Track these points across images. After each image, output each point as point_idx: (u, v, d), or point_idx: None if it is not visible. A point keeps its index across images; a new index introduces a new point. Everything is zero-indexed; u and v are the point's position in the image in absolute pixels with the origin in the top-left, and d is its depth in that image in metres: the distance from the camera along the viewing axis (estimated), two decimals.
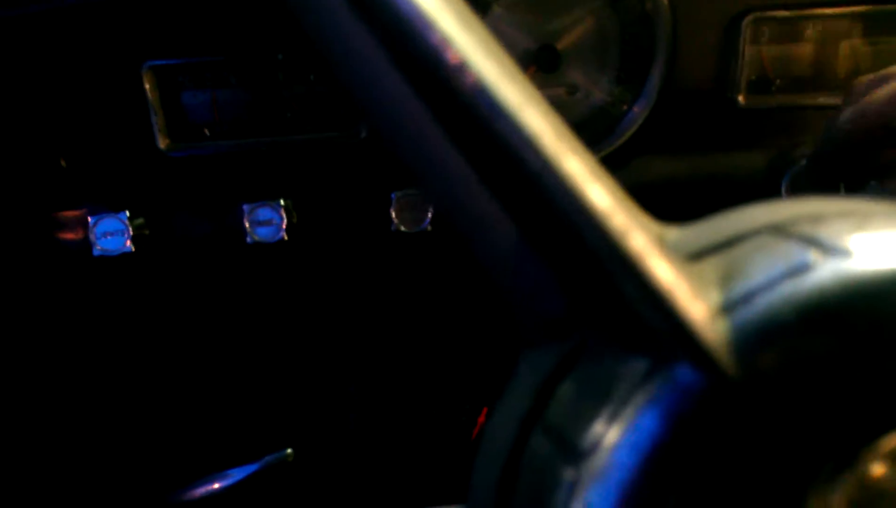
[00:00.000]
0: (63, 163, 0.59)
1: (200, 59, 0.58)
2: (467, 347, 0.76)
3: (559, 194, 0.17)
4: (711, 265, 0.18)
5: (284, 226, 0.61)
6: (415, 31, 0.18)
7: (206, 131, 0.61)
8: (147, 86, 0.58)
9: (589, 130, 0.62)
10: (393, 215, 0.60)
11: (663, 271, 0.17)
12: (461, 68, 0.18)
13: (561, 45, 0.60)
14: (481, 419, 0.79)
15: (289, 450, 0.69)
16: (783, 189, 0.62)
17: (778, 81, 0.61)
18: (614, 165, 0.63)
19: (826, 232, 0.17)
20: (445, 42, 0.18)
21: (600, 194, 0.18)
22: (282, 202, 0.61)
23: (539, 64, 0.61)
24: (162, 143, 0.60)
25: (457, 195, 0.19)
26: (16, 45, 0.57)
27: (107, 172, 0.61)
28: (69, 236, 0.61)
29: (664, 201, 0.64)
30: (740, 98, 0.60)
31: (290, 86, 0.60)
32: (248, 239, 0.61)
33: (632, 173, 0.63)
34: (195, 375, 0.70)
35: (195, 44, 0.58)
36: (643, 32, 0.59)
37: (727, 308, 0.16)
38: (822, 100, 0.60)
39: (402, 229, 0.60)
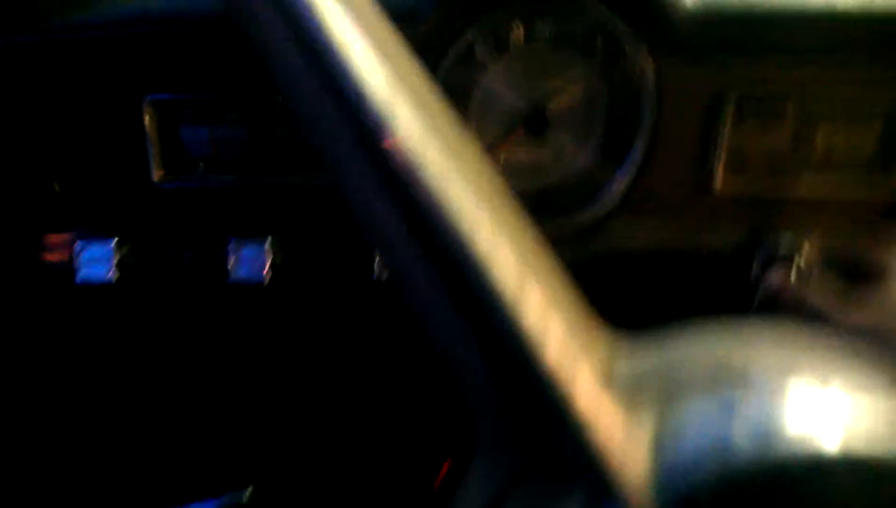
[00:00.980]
0: (56, 187, 0.60)
1: (201, 96, 0.60)
2: (435, 398, 0.77)
3: (493, 310, 0.17)
4: (649, 413, 0.18)
5: (268, 265, 0.62)
6: (370, 116, 0.19)
7: (201, 165, 0.63)
8: (147, 119, 0.60)
9: (571, 195, 0.64)
10: (376, 263, 0.61)
11: (602, 417, 0.17)
12: (397, 151, 0.19)
13: (551, 109, 0.62)
14: (444, 470, 0.79)
15: (248, 490, 0.69)
16: (755, 269, 0.64)
17: (758, 162, 0.63)
18: (594, 230, 0.64)
19: (757, 403, 0.18)
20: (388, 125, 0.19)
21: (538, 307, 0.18)
22: (268, 241, 0.62)
23: (528, 126, 0.63)
24: (156, 174, 0.61)
25: (405, 278, 0.19)
26: (24, 69, 0.58)
27: (99, 199, 0.62)
28: (54, 259, 0.62)
29: (642, 267, 0.66)
30: (718, 175, 0.62)
31: (285, 126, 0.62)
32: (231, 276, 0.61)
33: (611, 239, 0.64)
34: (163, 408, 0.70)
35: (197, 81, 0.60)
36: (630, 102, 0.61)
37: (658, 466, 0.17)
38: (799, 182, 0.62)
39: (384, 277, 0.61)
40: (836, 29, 0.58)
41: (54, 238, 0.61)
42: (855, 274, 0.64)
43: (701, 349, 0.20)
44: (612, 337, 0.19)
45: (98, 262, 0.59)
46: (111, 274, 0.60)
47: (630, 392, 0.18)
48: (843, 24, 0.58)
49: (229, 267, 0.62)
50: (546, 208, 0.65)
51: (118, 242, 0.60)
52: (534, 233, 0.20)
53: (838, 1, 0.58)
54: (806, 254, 0.64)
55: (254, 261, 0.62)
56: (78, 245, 0.59)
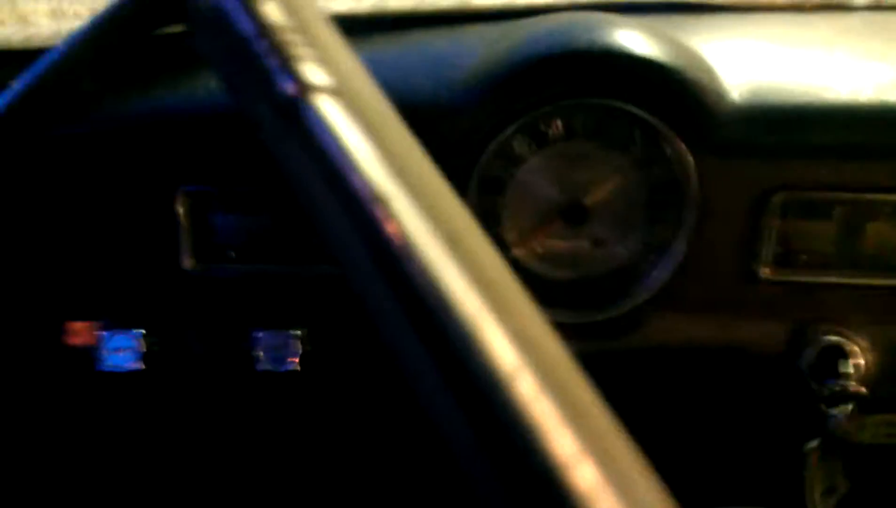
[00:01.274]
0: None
1: (234, 189, 0.59)
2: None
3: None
4: None
5: (297, 355, 0.60)
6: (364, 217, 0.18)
7: (232, 254, 0.62)
8: (180, 209, 0.59)
9: (610, 285, 0.62)
10: None
11: None
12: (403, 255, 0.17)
13: (588, 201, 0.61)
14: None
15: None
16: (804, 364, 0.61)
17: (803, 257, 0.61)
18: (632, 324, 0.62)
19: None
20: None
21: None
22: (297, 332, 0.61)
23: (566, 217, 0.61)
24: (188, 263, 0.60)
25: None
26: (62, 158, 0.58)
27: (130, 288, 0.61)
28: (79, 345, 0.61)
29: (683, 362, 0.64)
30: (764, 270, 0.60)
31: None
32: (259, 366, 0.60)
33: (649, 334, 0.62)
34: (186, 498, 0.68)
35: (229, 172, 0.59)
36: (671, 197, 0.60)
37: None
38: (846, 279, 0.60)
39: None
40: (882, 129, 0.57)
41: (79, 325, 0.61)
42: None
43: None
44: None
45: (125, 352, 0.58)
46: (137, 364, 0.58)
47: None
48: (889, 124, 0.57)
49: (258, 356, 0.61)
50: (585, 297, 0.63)
51: (146, 332, 0.59)
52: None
53: (884, 101, 0.56)
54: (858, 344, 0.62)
55: (282, 350, 0.61)
56: (106, 335, 0.58)
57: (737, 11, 0.66)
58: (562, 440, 0.15)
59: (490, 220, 0.61)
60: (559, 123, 0.58)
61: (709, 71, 0.56)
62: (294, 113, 0.18)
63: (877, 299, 0.61)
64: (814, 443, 0.62)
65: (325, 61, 0.18)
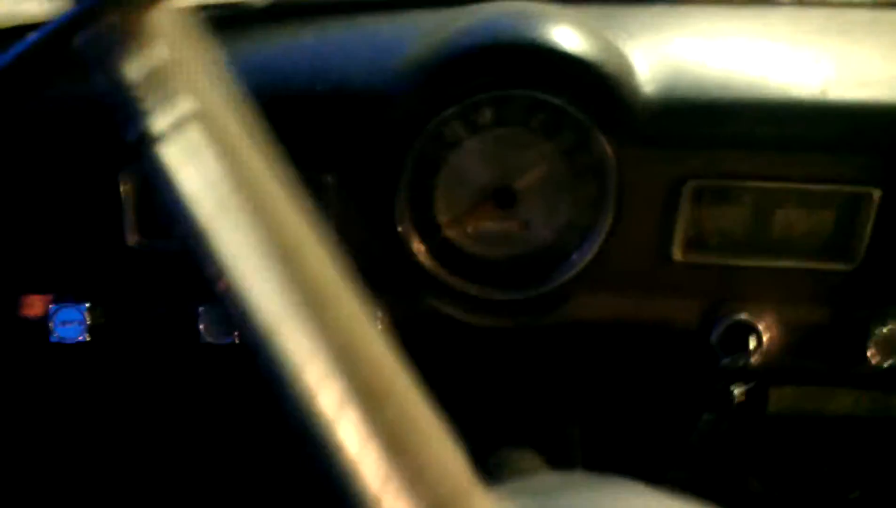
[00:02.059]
0: None
1: None
2: None
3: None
4: None
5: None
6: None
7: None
8: (124, 187, 0.61)
9: (537, 265, 0.66)
10: None
11: None
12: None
13: (518, 186, 0.64)
14: None
15: None
16: (714, 339, 0.66)
17: (715, 240, 0.65)
18: (557, 301, 0.67)
19: None
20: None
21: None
22: None
23: (496, 199, 0.65)
24: (132, 238, 0.63)
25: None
26: (10, 135, 0.60)
27: (76, 262, 0.63)
28: (32, 317, 0.64)
29: (603, 337, 0.68)
30: (678, 253, 0.64)
31: None
32: (202, 337, 0.63)
33: (572, 310, 0.67)
34: (137, 465, 0.71)
35: None
36: (594, 184, 0.63)
37: None
38: (754, 262, 0.65)
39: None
40: (792, 122, 0.61)
41: (33, 299, 0.63)
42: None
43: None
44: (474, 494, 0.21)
45: (72, 325, 0.61)
46: (83, 336, 0.61)
47: None
48: (798, 117, 0.61)
49: (201, 329, 0.64)
50: (513, 276, 0.67)
51: (91, 305, 0.62)
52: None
53: (794, 95, 0.60)
54: (765, 325, 0.66)
55: (225, 324, 0.64)
56: (52, 309, 0.61)
57: (666, 2, 0.69)
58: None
59: (424, 202, 0.64)
60: (490, 111, 0.61)
61: (627, 65, 0.59)
62: (148, 150, 0.21)
63: (783, 280, 0.66)
64: (710, 415, 0.67)
65: (176, 102, 0.21)
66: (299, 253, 0.21)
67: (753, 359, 0.65)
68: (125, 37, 0.21)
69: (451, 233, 0.65)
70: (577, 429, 0.75)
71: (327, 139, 0.62)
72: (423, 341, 0.67)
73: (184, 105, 0.21)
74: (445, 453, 0.19)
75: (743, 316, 0.66)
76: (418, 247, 0.65)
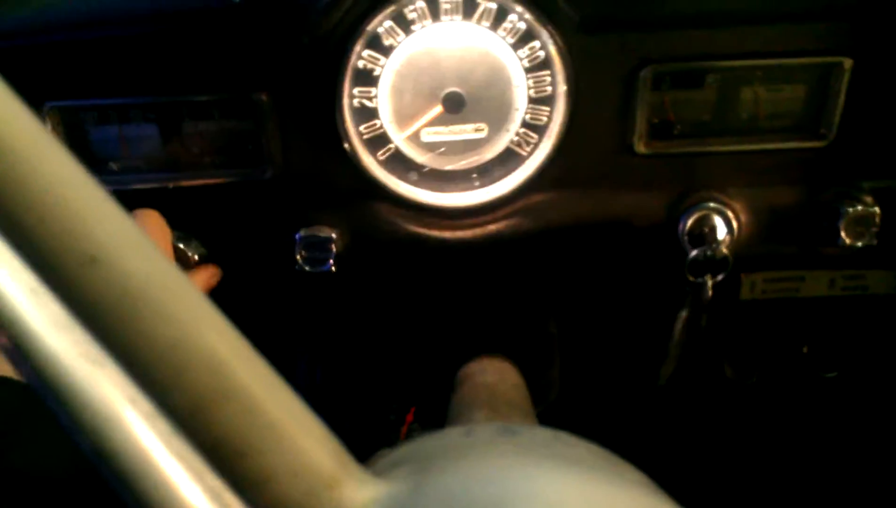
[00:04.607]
0: None
1: (101, 102, 0.58)
2: (395, 352, 0.79)
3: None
4: None
5: (194, 263, 0.62)
6: None
7: (114, 166, 0.62)
8: (49, 124, 0.58)
9: (496, 170, 0.64)
10: (298, 255, 0.61)
11: None
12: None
13: (466, 89, 0.61)
14: (409, 417, 0.82)
15: None
16: (682, 228, 0.64)
17: (679, 127, 0.62)
18: (516, 205, 0.64)
19: None
20: None
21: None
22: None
23: (446, 106, 0.61)
24: None
25: None
26: None
27: None
28: None
29: (570, 239, 0.66)
30: (640, 144, 0.61)
31: (195, 123, 0.61)
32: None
33: (535, 212, 0.64)
34: None
35: (96, 85, 0.58)
36: (547, 78, 0.59)
37: None
38: (720, 147, 0.62)
39: (307, 268, 0.62)
40: None
41: None
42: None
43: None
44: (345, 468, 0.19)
45: None
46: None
47: None
48: None
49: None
50: (468, 182, 0.64)
51: None
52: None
53: None
54: (734, 212, 0.64)
55: (176, 260, 0.62)
56: None
57: None
58: None
59: (366, 113, 0.61)
60: (423, 8, 0.57)
61: None
62: None
63: (750, 163, 0.63)
64: (685, 310, 0.66)
65: None
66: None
67: (724, 248, 0.63)
68: None
69: (400, 143, 0.62)
70: (554, 325, 0.75)
71: (253, 54, 0.58)
72: (387, 258, 0.66)
73: None
74: (307, 444, 0.17)
75: (711, 205, 0.63)
76: (368, 161, 0.62)
